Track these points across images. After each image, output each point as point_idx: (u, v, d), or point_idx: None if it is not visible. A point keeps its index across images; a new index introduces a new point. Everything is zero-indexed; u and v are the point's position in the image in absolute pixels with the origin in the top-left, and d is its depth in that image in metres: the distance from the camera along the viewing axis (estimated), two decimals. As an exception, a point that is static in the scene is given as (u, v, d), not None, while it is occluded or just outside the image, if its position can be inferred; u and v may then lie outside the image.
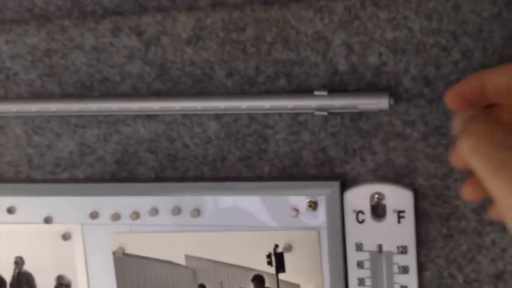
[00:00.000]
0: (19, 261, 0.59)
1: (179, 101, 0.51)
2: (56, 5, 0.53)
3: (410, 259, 0.48)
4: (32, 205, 0.57)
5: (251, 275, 0.53)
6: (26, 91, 0.55)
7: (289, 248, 0.51)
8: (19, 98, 0.55)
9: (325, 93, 0.46)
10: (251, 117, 0.50)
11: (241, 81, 0.49)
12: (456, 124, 0.39)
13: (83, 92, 0.53)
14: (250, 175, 0.52)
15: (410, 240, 0.48)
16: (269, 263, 0.52)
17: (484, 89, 0.36)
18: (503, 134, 0.31)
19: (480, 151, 0.31)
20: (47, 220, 0.56)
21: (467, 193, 0.38)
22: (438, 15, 0.43)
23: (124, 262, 0.56)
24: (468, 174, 0.35)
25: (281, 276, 0.52)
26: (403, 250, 0.48)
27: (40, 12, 0.54)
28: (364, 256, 0.49)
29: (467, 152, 0.32)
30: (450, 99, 0.39)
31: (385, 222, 0.48)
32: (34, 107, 0.54)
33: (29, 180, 0.57)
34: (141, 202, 0.54)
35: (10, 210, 0.57)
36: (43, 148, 0.56)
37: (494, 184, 0.30)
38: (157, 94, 0.52)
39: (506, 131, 0.31)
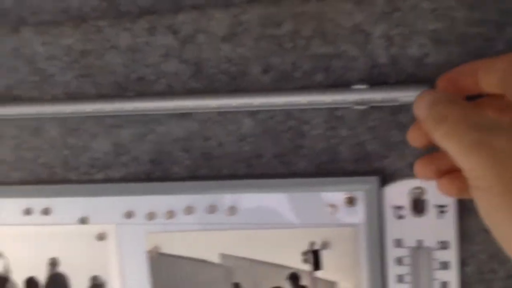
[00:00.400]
0: (53, 262, 0.59)
1: (214, 98, 0.51)
2: (91, 6, 0.54)
3: (451, 255, 0.47)
4: (67, 206, 0.57)
5: (286, 273, 0.52)
6: (61, 92, 0.55)
7: (326, 245, 0.50)
8: (54, 99, 0.56)
9: (364, 86, 0.45)
10: (287, 113, 0.50)
11: (277, 77, 0.49)
12: (420, 104, 0.38)
13: (119, 92, 0.54)
14: (286, 172, 0.51)
15: (451, 235, 0.47)
16: (306, 260, 0.51)
17: (476, 79, 0.37)
18: (476, 117, 0.33)
19: (455, 134, 0.32)
20: (83, 221, 0.57)
21: (412, 138, 0.42)
22: (481, 5, 0.43)
23: (158, 261, 0.55)
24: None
25: (318, 273, 0.51)
26: (443, 245, 0.47)
27: (75, 13, 0.54)
28: (403, 252, 0.48)
29: (442, 137, 0.33)
30: (442, 83, 0.40)
31: (426, 217, 0.47)
32: (69, 108, 0.55)
33: (64, 181, 0.58)
34: (176, 201, 0.54)
35: (46, 211, 0.58)
36: (79, 149, 0.56)
37: (470, 163, 0.31)
38: (192, 93, 0.52)
39: (478, 114, 0.33)
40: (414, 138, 0.42)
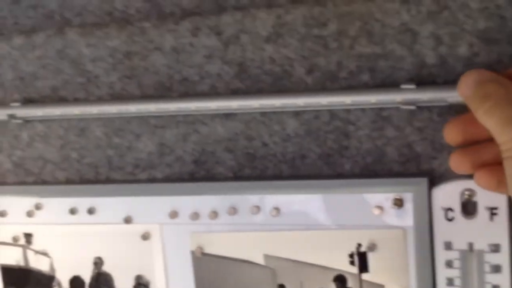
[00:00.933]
0: (98, 262, 0.60)
1: (258, 99, 0.51)
2: (135, 8, 0.54)
3: (503, 258, 0.46)
4: (112, 205, 0.58)
5: (332, 275, 0.52)
6: (106, 93, 0.56)
7: (373, 247, 0.50)
8: (99, 100, 0.56)
9: (412, 86, 0.44)
10: (332, 113, 0.50)
11: (322, 77, 0.49)
12: (466, 83, 0.40)
13: (163, 93, 0.54)
14: (331, 173, 0.51)
15: (503, 238, 0.46)
16: (352, 262, 0.51)
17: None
18: None
19: (496, 110, 0.36)
20: (127, 220, 0.57)
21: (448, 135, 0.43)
22: None
23: (202, 261, 0.56)
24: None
25: (364, 276, 0.51)
26: (495, 248, 0.46)
27: (120, 15, 0.55)
28: (453, 255, 0.47)
29: (485, 113, 0.37)
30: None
31: (476, 220, 0.46)
32: (114, 109, 0.55)
33: (109, 181, 0.58)
34: (220, 201, 0.54)
35: (91, 211, 0.58)
36: (123, 149, 0.57)
37: (506, 135, 0.35)
38: (236, 93, 0.52)
39: None
40: (449, 136, 0.44)
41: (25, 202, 0.61)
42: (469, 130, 0.42)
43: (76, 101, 0.57)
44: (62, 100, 0.58)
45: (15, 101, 0.59)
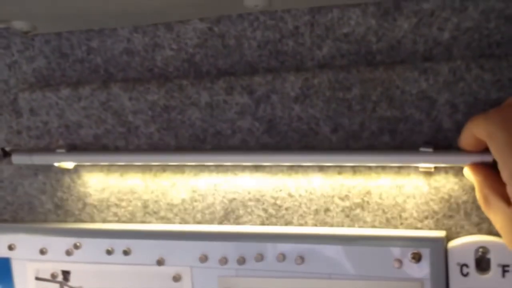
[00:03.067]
0: (137, 300, 0.64)
1: (286, 154, 0.54)
2: (174, 66, 0.59)
3: (515, 314, 0.49)
4: (146, 247, 0.61)
5: (352, 322, 0.54)
6: (145, 143, 0.60)
7: (391, 298, 0.52)
8: (138, 149, 0.61)
9: (430, 150, 0.48)
10: (355, 170, 0.53)
11: (346, 136, 0.52)
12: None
13: (197, 145, 0.58)
14: (353, 225, 0.54)
15: (515, 295, 0.48)
16: (371, 311, 0.54)
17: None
18: None
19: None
20: (160, 262, 0.61)
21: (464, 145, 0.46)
22: None
23: (229, 304, 0.59)
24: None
25: (383, 325, 0.53)
26: (508, 304, 0.49)
27: (160, 72, 0.59)
28: (468, 308, 0.50)
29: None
30: None
31: (490, 276, 0.49)
32: (151, 158, 0.59)
33: (144, 224, 0.62)
34: (247, 248, 0.57)
35: (126, 252, 0.62)
36: (158, 195, 0.61)
37: None
38: (265, 147, 0.56)
39: None
40: (466, 144, 0.46)
41: (65, 241, 0.64)
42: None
43: (117, 149, 0.61)
44: (104, 148, 0.62)
45: (60, 147, 0.63)
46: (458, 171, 0.49)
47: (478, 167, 0.45)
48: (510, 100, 0.43)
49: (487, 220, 0.49)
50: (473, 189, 0.49)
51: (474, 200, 0.49)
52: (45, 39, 0.63)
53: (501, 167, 0.40)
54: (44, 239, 0.65)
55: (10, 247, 0.66)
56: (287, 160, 0.54)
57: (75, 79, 0.63)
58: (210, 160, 0.57)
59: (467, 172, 0.46)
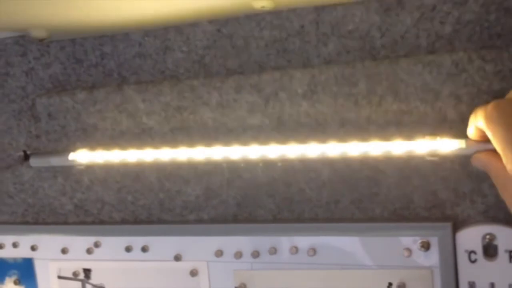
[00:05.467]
0: (150, 295, 0.66)
1: (295, 149, 0.56)
2: (185, 68, 0.60)
3: (523, 298, 0.50)
4: (163, 244, 0.63)
5: (365, 311, 0.56)
6: (159, 142, 0.62)
7: (403, 286, 0.54)
8: (153, 149, 0.62)
9: (435, 139, 0.49)
10: (363, 163, 0.54)
11: (353, 130, 0.54)
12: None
13: (209, 143, 0.60)
14: (362, 217, 0.55)
15: (523, 279, 0.49)
16: (383, 300, 0.55)
17: None
18: None
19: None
20: (177, 258, 0.63)
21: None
22: None
23: (245, 297, 0.61)
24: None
25: (395, 313, 0.55)
26: (516, 289, 0.50)
27: (171, 74, 0.61)
28: (477, 294, 0.51)
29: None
30: None
31: (497, 262, 0.50)
32: (166, 157, 0.61)
33: (161, 221, 0.64)
34: (261, 241, 0.59)
35: (144, 249, 0.64)
36: (173, 193, 0.63)
37: None
38: (274, 143, 0.57)
39: None
40: (472, 135, 0.47)
41: (85, 240, 0.67)
42: None
43: (132, 149, 0.63)
44: (119, 149, 0.64)
45: (78, 149, 0.65)
46: (464, 160, 0.50)
47: (491, 154, 0.46)
48: (511, 94, 0.44)
49: (493, 207, 0.50)
50: (478, 177, 0.50)
51: (480, 189, 0.50)
52: (60, 45, 0.65)
53: (505, 161, 0.41)
54: (65, 239, 0.67)
55: (33, 248, 0.68)
56: (296, 154, 0.56)
57: (90, 83, 0.65)
58: (223, 157, 0.59)
59: (477, 159, 0.47)
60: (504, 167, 0.41)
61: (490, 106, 0.41)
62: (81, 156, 0.64)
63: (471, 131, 0.46)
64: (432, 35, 0.51)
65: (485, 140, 0.45)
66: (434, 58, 0.49)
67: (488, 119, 0.41)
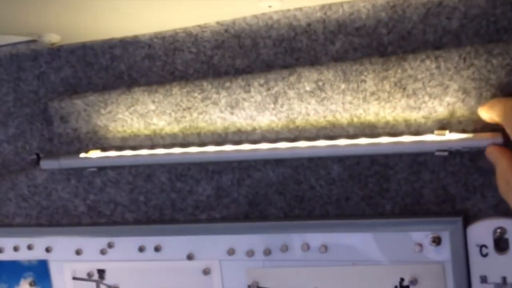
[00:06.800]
0: (164, 294, 0.66)
1: (305, 147, 0.56)
2: (194, 68, 0.61)
3: (536, 291, 0.50)
4: (176, 243, 0.64)
5: (378, 307, 0.56)
6: (170, 143, 0.63)
7: (414, 281, 0.54)
8: (164, 149, 0.63)
9: (445, 134, 0.49)
10: (372, 159, 0.55)
11: (362, 126, 0.54)
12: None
13: (219, 143, 0.60)
14: (373, 213, 0.56)
15: (535, 273, 0.49)
16: (395, 295, 0.55)
17: None
18: None
19: None
20: (190, 257, 0.63)
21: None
22: None
23: (260, 295, 0.61)
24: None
25: (408, 308, 0.55)
26: (528, 282, 0.50)
27: (180, 75, 0.62)
28: (489, 288, 0.51)
29: None
30: None
31: (509, 255, 0.50)
32: (177, 157, 0.62)
33: (173, 221, 0.65)
34: (273, 239, 0.59)
35: (157, 249, 0.65)
36: (185, 193, 0.63)
37: None
38: (284, 141, 0.58)
39: None
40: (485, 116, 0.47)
41: (99, 241, 0.67)
42: None
43: (143, 150, 0.64)
44: (131, 150, 0.65)
45: (90, 151, 0.66)
46: (473, 155, 0.50)
47: (502, 150, 0.46)
48: None
49: (504, 201, 0.50)
50: (488, 171, 0.50)
51: (490, 183, 0.50)
52: (71, 49, 0.66)
53: None
54: (79, 240, 0.68)
55: (47, 250, 0.69)
56: (306, 152, 0.56)
57: (101, 86, 0.66)
58: (233, 156, 0.59)
59: (490, 153, 0.47)
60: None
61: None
62: (93, 158, 0.65)
63: (484, 116, 0.47)
64: (439, 30, 0.51)
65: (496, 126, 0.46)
66: (442, 53, 0.49)
67: (508, 117, 0.41)
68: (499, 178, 0.45)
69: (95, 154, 0.65)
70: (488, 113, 0.46)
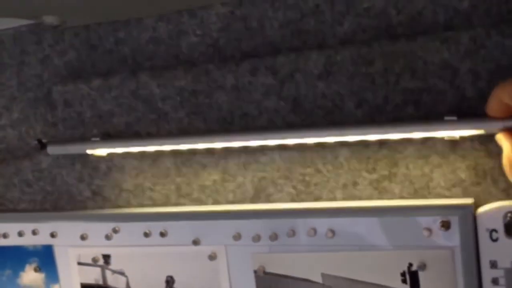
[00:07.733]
0: (170, 280, 0.66)
1: (312, 131, 0.55)
2: (200, 51, 0.60)
3: (547, 276, 0.49)
4: (181, 229, 0.63)
5: (385, 292, 0.56)
6: (175, 128, 0.62)
7: (423, 266, 0.53)
8: (169, 134, 0.63)
9: (454, 118, 0.48)
10: (381, 143, 0.54)
11: (370, 110, 0.53)
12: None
13: (225, 127, 0.60)
14: (381, 198, 0.55)
15: (546, 257, 0.49)
16: (404, 281, 0.55)
17: None
18: None
19: None
20: (195, 242, 0.63)
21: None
22: None
23: (264, 280, 0.60)
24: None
25: (416, 293, 0.54)
26: (539, 267, 0.49)
27: (186, 58, 0.61)
28: (499, 273, 0.50)
29: None
30: None
31: (519, 240, 0.49)
32: (182, 142, 0.61)
33: (178, 206, 0.64)
34: (279, 224, 0.59)
35: (163, 234, 0.64)
36: (190, 177, 0.63)
37: None
38: (291, 126, 0.57)
39: None
40: (493, 111, 0.46)
41: (104, 226, 0.67)
42: None
43: (149, 135, 0.63)
44: (136, 135, 0.64)
45: (95, 136, 0.66)
46: (483, 138, 0.50)
47: (508, 133, 0.45)
48: None
49: (514, 185, 0.50)
50: (499, 155, 0.49)
51: (501, 166, 0.49)
52: (74, 32, 0.65)
53: None
54: (84, 225, 0.68)
55: (52, 235, 0.69)
56: (313, 136, 0.55)
57: (105, 70, 0.65)
58: (239, 141, 0.59)
59: (499, 137, 0.46)
60: None
61: None
62: (98, 143, 0.64)
63: (493, 107, 0.45)
64: (450, 11, 0.50)
65: (507, 116, 0.45)
66: (452, 35, 0.48)
67: None
68: (505, 161, 0.45)
69: (100, 138, 0.65)
70: (499, 96, 0.45)
